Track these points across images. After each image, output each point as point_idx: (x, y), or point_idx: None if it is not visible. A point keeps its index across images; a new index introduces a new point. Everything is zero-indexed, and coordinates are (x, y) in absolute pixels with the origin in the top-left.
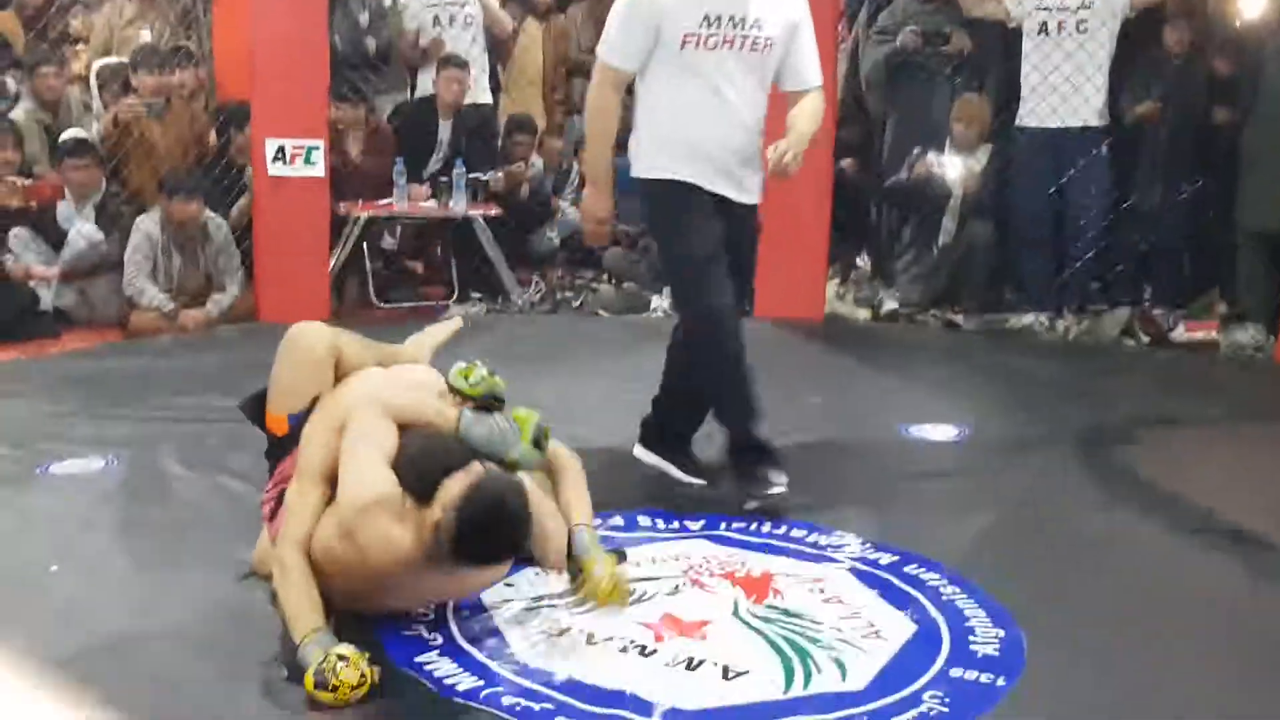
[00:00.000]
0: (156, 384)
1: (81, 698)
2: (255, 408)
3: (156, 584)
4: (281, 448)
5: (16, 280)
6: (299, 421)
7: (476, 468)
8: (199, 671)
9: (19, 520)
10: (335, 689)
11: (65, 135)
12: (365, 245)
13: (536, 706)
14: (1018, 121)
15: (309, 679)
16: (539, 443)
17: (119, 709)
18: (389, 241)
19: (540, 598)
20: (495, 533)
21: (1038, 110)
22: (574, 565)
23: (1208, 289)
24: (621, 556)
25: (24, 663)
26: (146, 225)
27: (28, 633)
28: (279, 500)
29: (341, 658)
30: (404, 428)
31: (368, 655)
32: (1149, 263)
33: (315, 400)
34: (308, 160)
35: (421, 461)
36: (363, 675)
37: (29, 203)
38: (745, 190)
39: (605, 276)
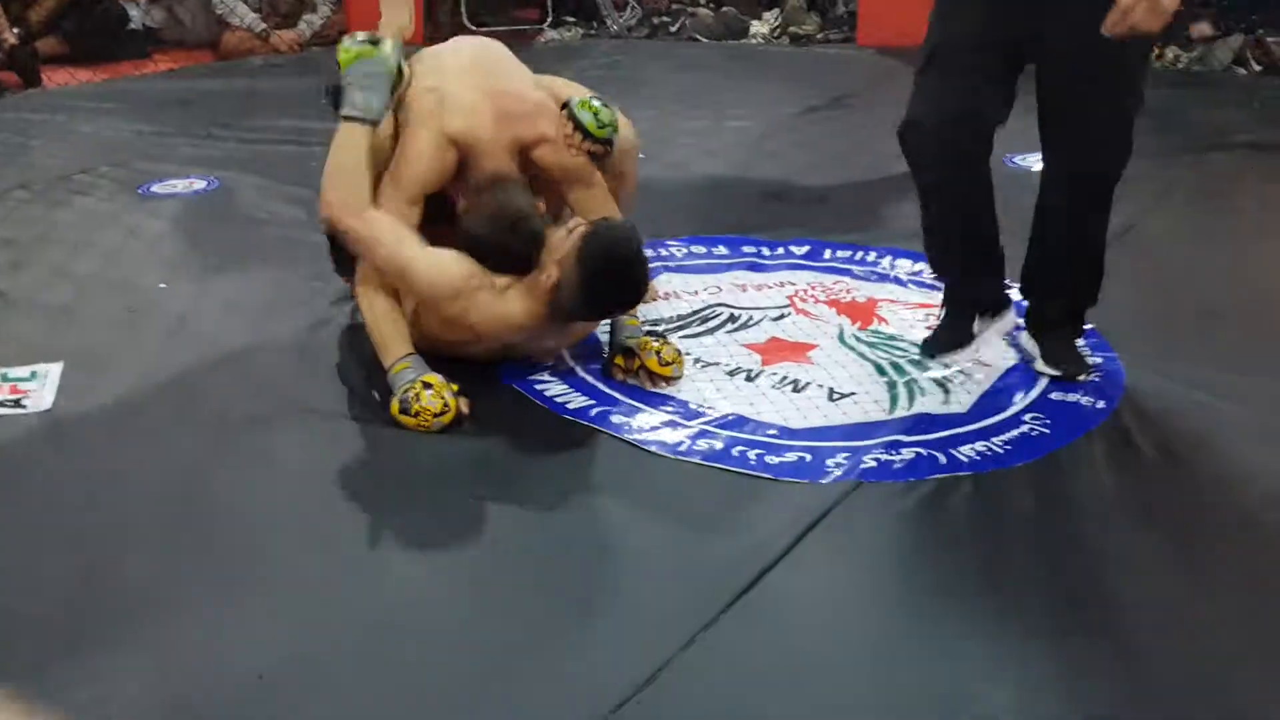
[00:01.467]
0: (252, 105)
1: (194, 405)
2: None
3: (262, 301)
4: None
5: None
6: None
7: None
8: (303, 379)
9: (125, 237)
10: (417, 414)
11: None
12: None
13: (645, 424)
14: None
15: (394, 404)
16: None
17: (238, 418)
18: None
19: (651, 323)
20: (623, 276)
21: None
22: (617, 347)
23: None
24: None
25: (146, 374)
26: None
27: (141, 347)
28: None
29: (426, 385)
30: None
31: (455, 386)
32: None
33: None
34: None
35: (500, 233)
36: (445, 403)
37: None
38: None
39: (701, 1)
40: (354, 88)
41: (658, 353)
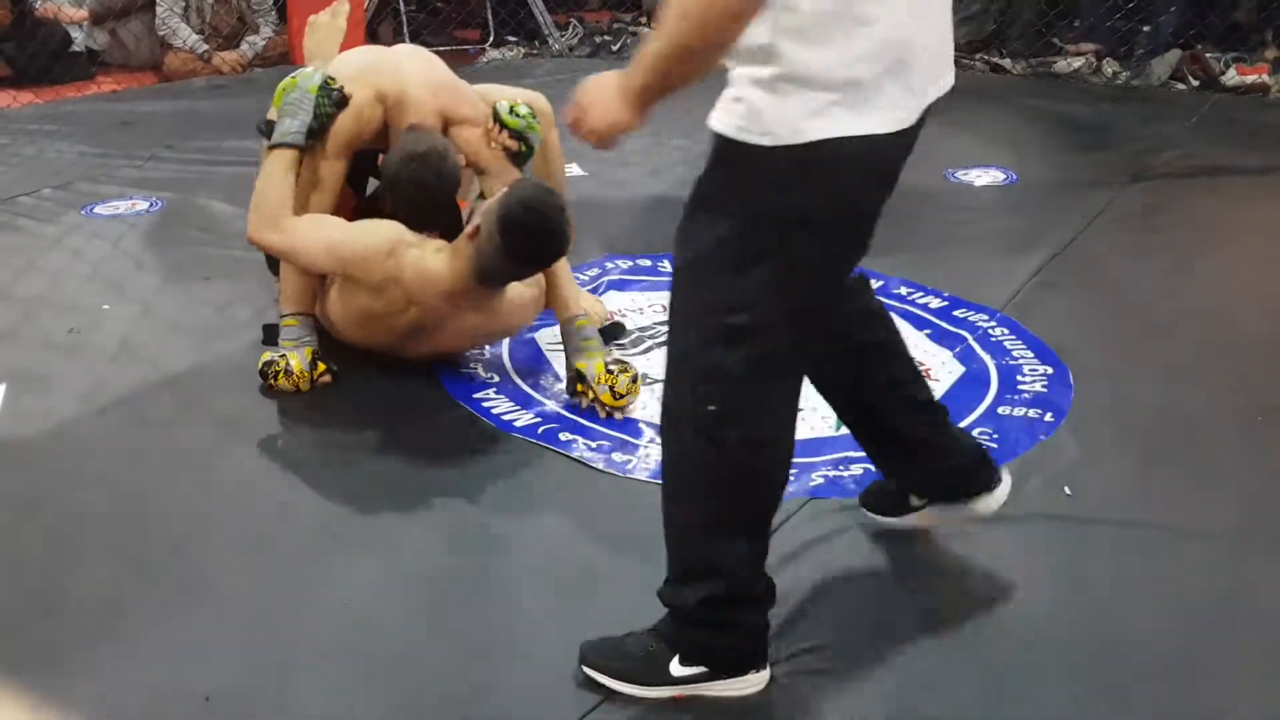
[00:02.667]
0: (195, 126)
1: (137, 427)
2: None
3: (205, 322)
4: None
5: (47, 21)
6: None
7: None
8: (252, 401)
9: (68, 259)
10: (273, 381)
11: None
12: None
13: (593, 443)
14: None
15: (261, 361)
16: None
17: (182, 439)
18: None
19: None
20: (541, 226)
21: None
22: (571, 369)
23: (1259, 31)
24: (619, 329)
25: (86, 399)
26: None
27: (84, 369)
28: None
29: (288, 371)
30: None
31: (323, 367)
32: (1203, 3)
33: None
34: None
35: (419, 195)
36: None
37: None
38: None
39: (645, 19)
40: (282, 117)
41: (611, 386)
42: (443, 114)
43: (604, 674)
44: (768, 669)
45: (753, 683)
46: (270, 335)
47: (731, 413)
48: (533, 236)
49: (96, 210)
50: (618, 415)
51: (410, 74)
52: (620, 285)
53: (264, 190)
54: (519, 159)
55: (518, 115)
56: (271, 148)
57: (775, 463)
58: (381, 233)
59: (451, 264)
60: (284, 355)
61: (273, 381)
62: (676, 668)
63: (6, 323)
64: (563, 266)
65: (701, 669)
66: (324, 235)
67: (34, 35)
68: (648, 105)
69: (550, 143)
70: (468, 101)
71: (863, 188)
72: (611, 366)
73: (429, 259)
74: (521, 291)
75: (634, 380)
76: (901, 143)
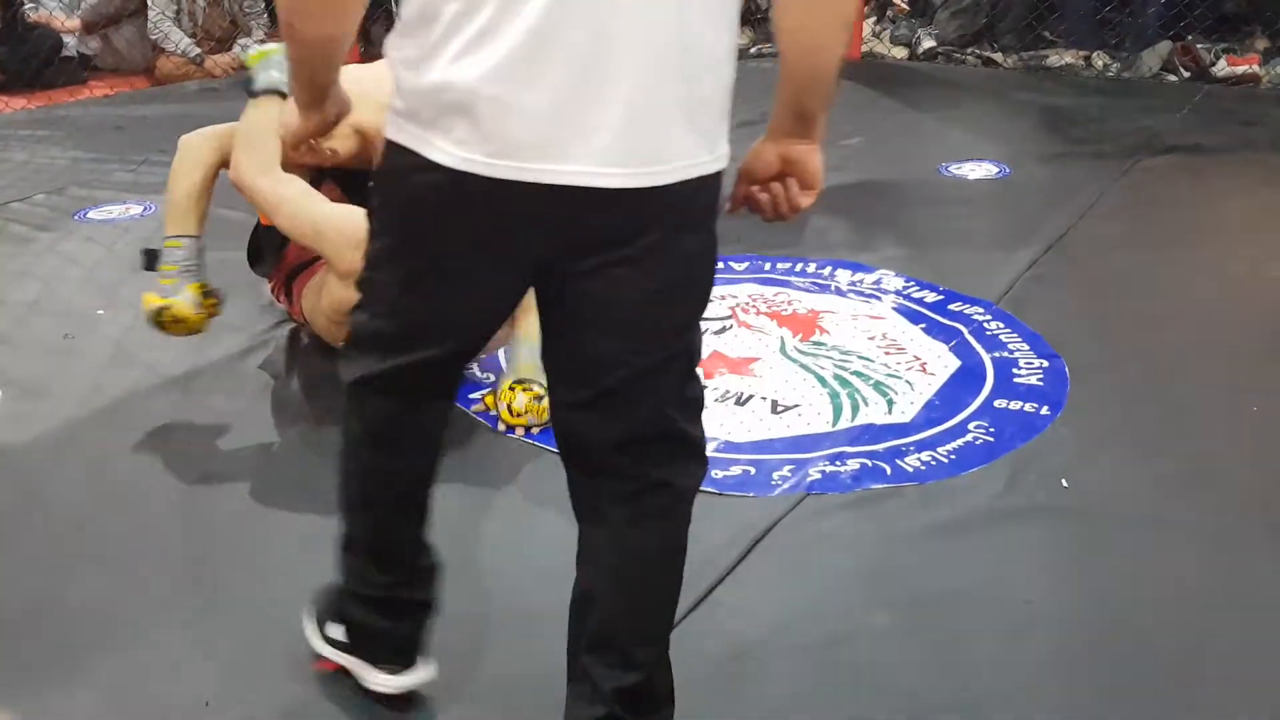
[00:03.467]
0: (187, 130)
1: (134, 430)
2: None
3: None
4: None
5: (40, 26)
6: None
7: None
8: (248, 403)
9: (62, 265)
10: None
11: None
12: None
13: None
14: None
15: (150, 302)
16: None
17: (179, 441)
18: None
19: None
20: None
21: None
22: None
23: (1249, 22)
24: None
25: (82, 403)
26: None
27: (85, 371)
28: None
29: (176, 319)
30: None
31: (212, 302)
32: None
33: None
34: None
35: None
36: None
37: None
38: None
39: None
40: (268, 70)
41: (509, 404)
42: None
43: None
44: (406, 675)
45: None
46: (150, 260)
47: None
48: None
49: (90, 215)
50: (518, 432)
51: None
52: None
53: (249, 131)
54: None
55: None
56: (256, 94)
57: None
58: (355, 222)
59: None
60: (169, 302)
61: (168, 329)
62: (331, 628)
63: (1, 329)
64: None
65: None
66: (313, 205)
67: (25, 40)
68: (307, 101)
69: None
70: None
71: (417, 212)
72: (515, 384)
73: None
74: None
75: (537, 400)
76: (505, 193)
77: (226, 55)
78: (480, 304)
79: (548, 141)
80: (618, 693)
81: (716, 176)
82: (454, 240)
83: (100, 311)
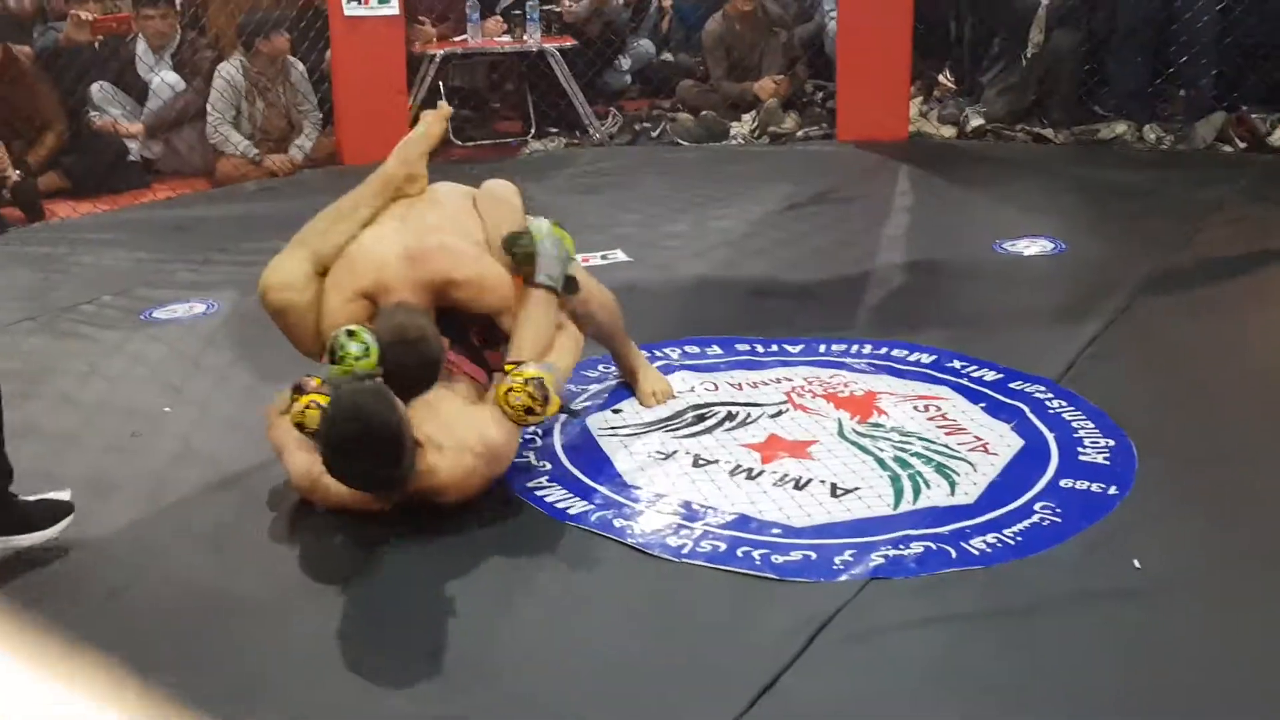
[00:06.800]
0: (248, 229)
1: (199, 526)
2: None
3: (263, 421)
4: None
5: (104, 133)
6: None
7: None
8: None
9: (129, 365)
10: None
11: None
12: (441, 83)
13: (648, 528)
14: None
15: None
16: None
17: (243, 537)
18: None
19: (648, 424)
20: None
21: None
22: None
23: None
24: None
25: (149, 500)
26: (228, 72)
27: (150, 472)
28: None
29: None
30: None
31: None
32: (1244, 64)
33: None
34: None
35: (402, 375)
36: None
37: (97, 37)
38: None
39: (680, 106)
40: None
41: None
42: (429, 284)
43: None
44: None
45: None
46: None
47: None
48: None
49: (155, 315)
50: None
51: (386, 261)
52: (673, 370)
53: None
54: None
55: (518, 244)
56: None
57: None
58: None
59: None
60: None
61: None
62: None
63: (70, 428)
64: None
65: None
66: (283, 455)
67: (90, 148)
68: None
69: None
70: (448, 259)
71: None
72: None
73: None
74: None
75: (529, 409)
76: None
77: (283, 155)
78: None
79: None
80: None
81: None
82: None
83: (166, 409)
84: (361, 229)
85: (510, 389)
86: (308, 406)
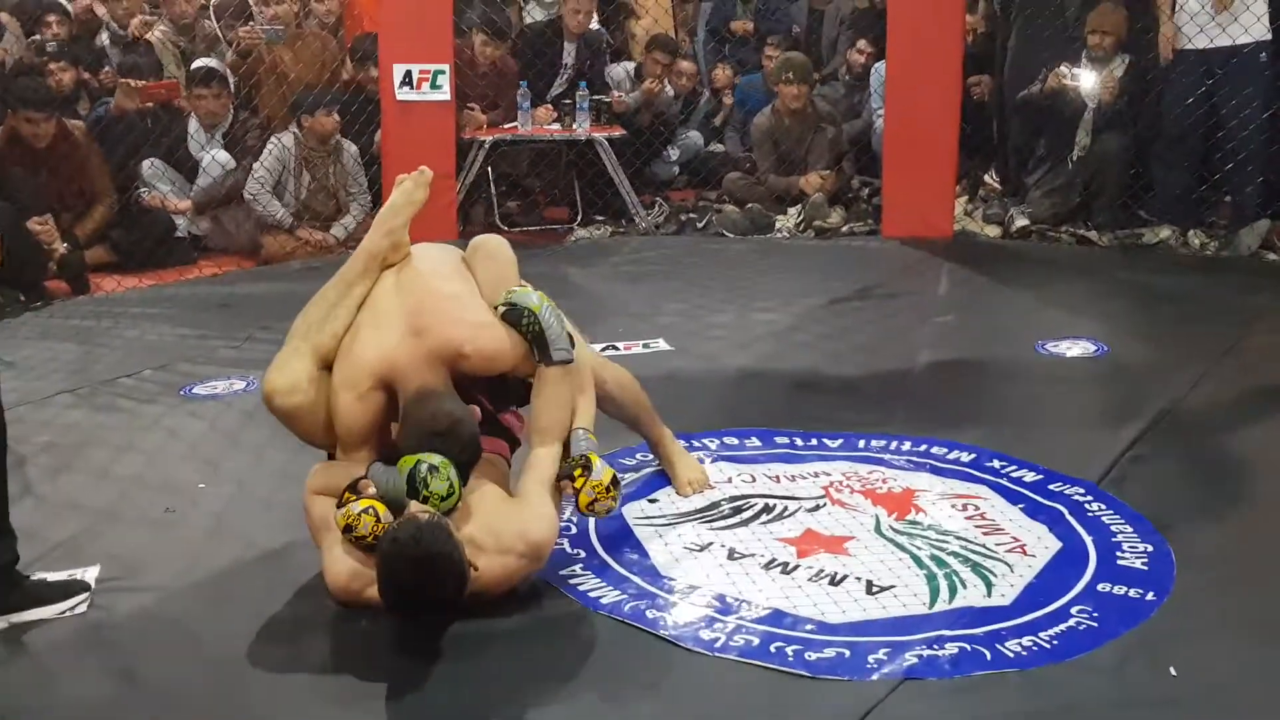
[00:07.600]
0: (290, 307)
1: (231, 605)
2: None
3: (299, 499)
4: None
5: (153, 209)
6: None
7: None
8: None
9: (166, 439)
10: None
11: (195, 64)
12: (490, 169)
13: (682, 621)
14: (1179, 44)
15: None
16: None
17: (276, 616)
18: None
19: (683, 514)
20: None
21: (1195, 31)
22: (572, 463)
23: None
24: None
25: (180, 576)
26: (284, 140)
27: (184, 548)
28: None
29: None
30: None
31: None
32: None
33: None
34: (434, 85)
35: (434, 442)
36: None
37: (146, 104)
38: None
39: (726, 197)
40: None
41: (593, 489)
42: (440, 355)
43: None
44: None
45: None
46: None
47: None
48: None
49: (195, 390)
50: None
51: (389, 340)
52: (711, 461)
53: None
54: (541, 345)
55: (523, 323)
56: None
57: None
58: (335, 572)
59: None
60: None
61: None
62: None
63: (105, 502)
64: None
65: None
66: (321, 544)
67: (138, 223)
68: None
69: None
70: (456, 329)
71: None
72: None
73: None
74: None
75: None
76: None
77: (320, 233)
78: None
79: None
80: None
81: None
82: None
83: (201, 485)
84: (358, 311)
85: (595, 500)
86: (364, 511)
